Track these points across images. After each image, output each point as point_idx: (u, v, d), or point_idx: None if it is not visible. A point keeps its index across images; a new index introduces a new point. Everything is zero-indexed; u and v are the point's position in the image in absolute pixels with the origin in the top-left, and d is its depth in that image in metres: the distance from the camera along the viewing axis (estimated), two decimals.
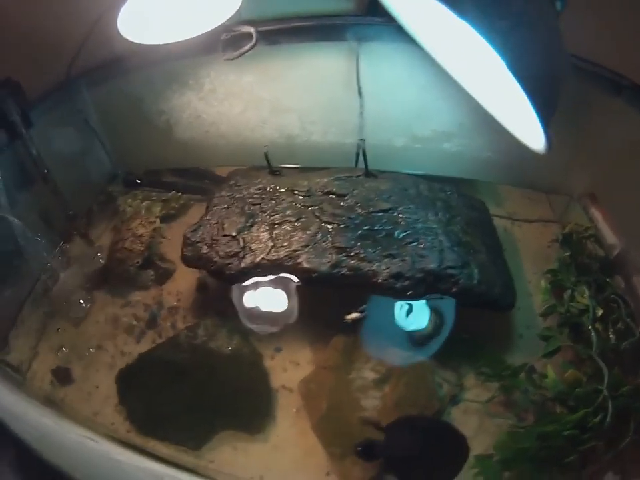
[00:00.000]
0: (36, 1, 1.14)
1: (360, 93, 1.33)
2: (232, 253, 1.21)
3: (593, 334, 1.11)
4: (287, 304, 1.28)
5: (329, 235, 1.20)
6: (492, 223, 1.35)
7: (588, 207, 1.39)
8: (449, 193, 1.36)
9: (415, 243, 1.17)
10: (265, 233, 1.23)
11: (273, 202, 1.31)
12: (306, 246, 1.18)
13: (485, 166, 1.42)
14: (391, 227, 1.21)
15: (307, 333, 1.27)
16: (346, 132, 1.41)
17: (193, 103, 1.46)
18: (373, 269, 1.13)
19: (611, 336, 1.12)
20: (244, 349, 1.20)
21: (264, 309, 1.29)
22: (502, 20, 0.74)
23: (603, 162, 1.28)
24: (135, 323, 1.32)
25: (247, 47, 1.22)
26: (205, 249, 1.24)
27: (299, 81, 1.37)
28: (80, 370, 1.24)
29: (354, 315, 1.18)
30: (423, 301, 1.25)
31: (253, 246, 1.21)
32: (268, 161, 1.35)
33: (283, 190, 1.33)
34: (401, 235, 1.19)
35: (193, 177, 1.62)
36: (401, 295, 1.11)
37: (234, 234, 1.24)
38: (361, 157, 1.36)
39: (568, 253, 1.27)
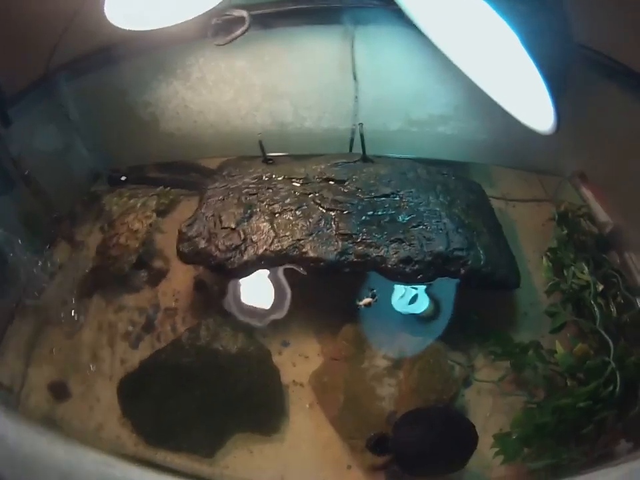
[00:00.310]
0: None
1: (355, 77, 1.30)
2: (233, 246, 1.16)
3: (595, 308, 1.14)
4: (274, 297, 1.25)
5: (332, 222, 1.16)
6: (490, 204, 1.35)
7: (579, 186, 1.42)
8: (446, 175, 1.35)
9: (421, 227, 1.16)
10: (266, 223, 1.19)
11: (271, 191, 1.26)
12: (310, 234, 1.15)
13: (480, 148, 1.43)
14: (394, 211, 1.19)
15: (313, 324, 1.24)
16: (340, 117, 1.39)
17: (181, 93, 1.40)
18: (381, 254, 1.11)
19: (612, 309, 1.15)
20: (250, 346, 1.15)
21: (253, 302, 1.25)
22: (522, 4, 0.76)
23: (594, 143, 1.31)
24: (131, 328, 1.25)
25: (238, 32, 1.17)
26: (203, 244, 1.18)
27: (293, 65, 1.33)
28: (77, 383, 1.17)
29: (366, 300, 1.16)
30: (422, 287, 1.26)
31: (254, 237, 1.16)
32: (262, 149, 1.31)
33: (279, 178, 1.29)
34: (406, 219, 1.17)
35: (178, 170, 1.55)
36: (411, 279, 1.10)
37: (233, 226, 1.19)
38: (355, 142, 1.34)
39: (565, 232, 1.29)
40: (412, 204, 1.21)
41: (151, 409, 1.11)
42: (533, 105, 0.98)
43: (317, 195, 1.23)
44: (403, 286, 1.26)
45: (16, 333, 1.23)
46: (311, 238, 1.14)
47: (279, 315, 1.24)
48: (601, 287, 1.17)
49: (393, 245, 1.12)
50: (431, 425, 0.98)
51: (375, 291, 1.18)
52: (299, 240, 1.14)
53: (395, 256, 1.10)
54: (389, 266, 1.09)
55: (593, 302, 1.15)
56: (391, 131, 1.42)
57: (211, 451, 1.08)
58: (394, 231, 1.14)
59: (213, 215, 1.23)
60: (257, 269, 1.14)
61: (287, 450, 1.09)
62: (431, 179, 1.31)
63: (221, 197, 1.28)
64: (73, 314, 1.22)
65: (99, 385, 1.17)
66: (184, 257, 1.20)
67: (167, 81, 1.38)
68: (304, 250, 1.12)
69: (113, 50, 1.27)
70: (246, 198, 1.26)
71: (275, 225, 1.18)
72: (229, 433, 1.10)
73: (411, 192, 1.23)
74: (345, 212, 1.18)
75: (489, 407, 1.12)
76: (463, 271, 1.11)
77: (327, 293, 1.23)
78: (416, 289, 1.26)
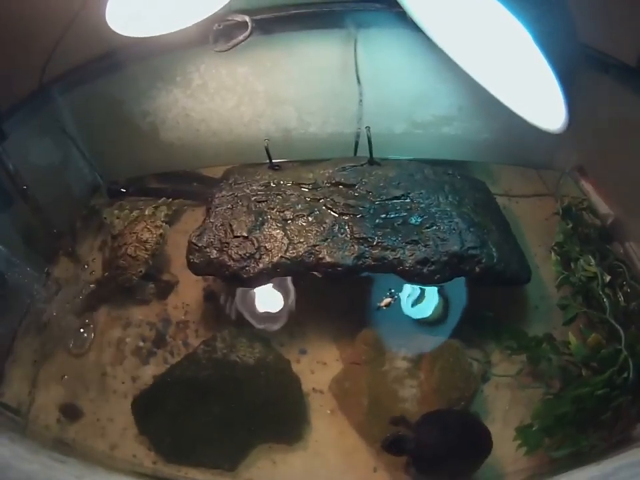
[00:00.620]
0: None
1: (359, 81, 1.30)
2: (247, 254, 1.14)
3: (604, 299, 1.17)
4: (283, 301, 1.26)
5: (346, 227, 1.16)
6: (495, 201, 1.37)
7: (578, 180, 1.46)
8: (451, 175, 1.36)
9: (434, 227, 1.16)
10: (278, 230, 1.18)
11: (280, 197, 1.25)
12: (325, 240, 1.14)
13: (482, 147, 1.44)
14: (406, 213, 1.20)
15: (329, 330, 1.23)
16: (345, 121, 1.39)
17: (181, 101, 1.38)
18: (397, 256, 1.11)
19: (620, 299, 1.18)
20: (268, 356, 1.14)
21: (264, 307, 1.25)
22: (535, 8, 0.78)
23: (592, 137, 1.34)
24: (141, 343, 1.22)
25: (240, 37, 1.16)
26: (215, 254, 1.16)
27: (296, 70, 1.32)
28: (88, 402, 1.14)
29: (386, 300, 1.16)
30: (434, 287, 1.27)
31: (268, 245, 1.15)
32: (269, 155, 1.29)
33: (288, 184, 1.28)
34: (419, 221, 1.18)
35: (180, 180, 1.52)
36: (429, 280, 1.10)
37: (245, 234, 1.17)
38: (361, 146, 1.34)
39: (570, 226, 1.32)
40: (423, 205, 1.21)
41: (168, 425, 1.09)
42: (541, 105, 1.00)
43: (327, 199, 1.23)
44: (410, 286, 1.28)
45: (20, 353, 1.19)
46: (326, 243, 1.13)
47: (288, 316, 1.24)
48: (608, 278, 1.19)
49: (408, 247, 1.12)
50: (448, 428, 0.99)
51: (393, 291, 1.18)
52: (315, 246, 1.13)
53: (411, 258, 1.10)
54: (407, 268, 1.10)
55: (601, 293, 1.18)
56: (395, 134, 1.42)
57: (234, 464, 1.07)
58: (408, 232, 1.15)
59: (222, 224, 1.22)
60: (273, 277, 1.13)
61: (311, 458, 1.08)
62: (438, 179, 1.31)
63: (229, 206, 1.26)
64: (81, 331, 1.18)
65: (111, 403, 1.14)
66: (195, 268, 1.17)
67: (167, 89, 1.35)
68: (320, 256, 1.11)
69: (109, 59, 1.24)
70: (255, 205, 1.24)
71: (288, 231, 1.17)
72: (251, 445, 1.08)
73: (421, 193, 1.24)
74: (358, 216, 1.18)
75: (508, 400, 1.14)
76: (477, 270, 1.12)
77: (341, 298, 1.24)
78: (422, 288, 1.28)
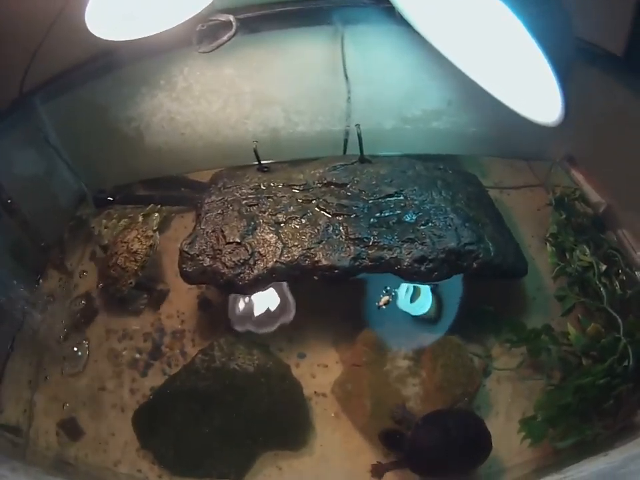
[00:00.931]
0: None
1: (347, 78, 1.28)
2: (241, 261, 1.12)
3: (601, 288, 1.18)
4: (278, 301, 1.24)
5: (341, 227, 1.15)
6: (488, 194, 1.36)
7: (569, 169, 1.46)
8: (443, 170, 1.35)
9: (430, 224, 1.15)
10: (272, 234, 1.16)
11: (271, 200, 1.23)
12: (320, 242, 1.13)
13: (472, 140, 1.44)
14: (401, 211, 1.18)
15: (327, 332, 1.22)
16: (334, 119, 1.37)
17: (166, 105, 1.34)
18: (394, 256, 1.10)
19: (616, 287, 1.19)
20: (268, 362, 1.13)
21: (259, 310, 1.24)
22: (535, 5, 0.77)
23: (581, 127, 1.34)
24: (137, 355, 1.20)
25: (225, 37, 1.13)
26: (207, 262, 1.14)
27: (282, 70, 1.30)
28: (87, 418, 1.12)
29: (385, 299, 1.15)
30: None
31: (262, 250, 1.13)
32: (258, 157, 1.27)
33: (279, 186, 1.26)
34: (414, 218, 1.16)
35: (167, 186, 1.49)
36: (427, 278, 1.09)
37: (238, 240, 1.15)
38: (350, 144, 1.33)
39: (563, 216, 1.32)
40: (417, 202, 1.20)
41: (171, 437, 1.07)
42: (535, 98, 0.99)
43: (320, 200, 1.21)
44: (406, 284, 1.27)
45: (15, 372, 1.16)
46: (321, 245, 1.12)
47: (287, 317, 1.23)
48: (603, 267, 1.20)
49: (405, 246, 1.11)
50: (449, 430, 0.98)
51: (389, 288, 1.17)
52: (310, 249, 1.11)
53: (408, 256, 1.09)
54: (404, 267, 1.09)
55: (597, 282, 1.19)
56: (385, 130, 1.41)
57: (240, 473, 1.06)
58: (404, 231, 1.14)
59: (214, 231, 1.19)
60: (269, 283, 1.11)
61: (316, 463, 1.07)
62: (430, 174, 1.30)
63: (219, 211, 1.23)
64: (75, 350, 1.15)
65: (110, 418, 1.12)
66: (189, 277, 1.15)
67: (151, 94, 1.32)
68: (316, 259, 1.10)
69: (90, 65, 1.20)
70: (247, 209, 1.22)
71: (281, 235, 1.15)
72: (256, 453, 1.07)
73: (414, 190, 1.23)
74: (352, 216, 1.16)
75: (510, 393, 1.14)
76: (475, 265, 1.12)
77: (337, 300, 1.22)
78: (416, 287, 1.27)
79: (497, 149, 1.49)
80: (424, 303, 1.26)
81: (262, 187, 1.27)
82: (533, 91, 0.99)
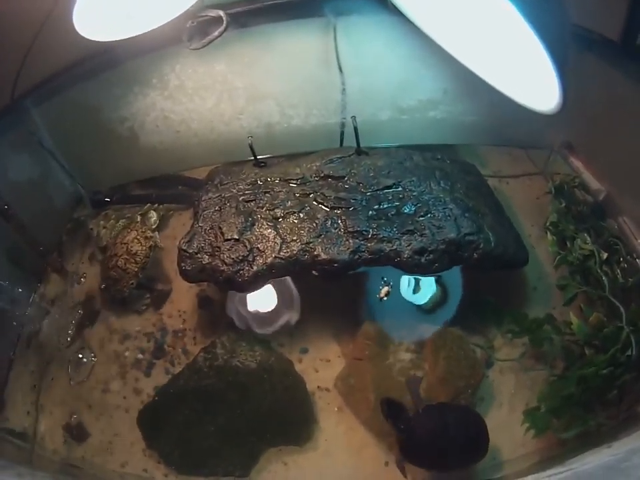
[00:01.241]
0: None
1: (340, 70, 1.27)
2: (240, 257, 1.11)
3: (603, 277, 1.16)
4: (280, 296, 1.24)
5: (339, 221, 1.14)
6: (487, 184, 1.35)
7: (567, 157, 1.44)
8: (441, 160, 1.34)
9: (429, 215, 1.14)
10: (270, 229, 1.15)
11: (269, 195, 1.22)
12: (318, 236, 1.12)
13: (469, 129, 1.42)
14: (399, 202, 1.17)
15: (329, 327, 1.22)
16: (329, 112, 1.36)
17: (159, 104, 1.33)
18: (394, 248, 1.09)
19: (618, 275, 1.18)
20: (270, 358, 1.13)
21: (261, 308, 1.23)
22: None
23: (579, 114, 1.32)
24: (140, 355, 1.20)
25: (216, 33, 1.11)
26: (206, 259, 1.13)
27: (275, 64, 1.28)
28: (92, 420, 1.12)
29: (385, 290, 1.14)
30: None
31: (261, 246, 1.12)
32: (253, 152, 1.26)
33: (275, 181, 1.25)
34: (412, 209, 1.15)
35: (164, 185, 1.49)
36: (427, 269, 1.08)
37: (236, 237, 1.14)
38: (346, 136, 1.31)
39: (563, 204, 1.31)
40: (415, 193, 1.19)
41: (176, 436, 1.07)
42: (533, 86, 0.98)
43: (317, 194, 1.20)
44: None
45: (19, 377, 1.16)
46: (320, 239, 1.11)
47: (291, 314, 1.22)
48: (605, 255, 1.19)
49: (404, 237, 1.10)
50: (447, 426, 0.98)
51: (386, 279, 1.17)
52: (308, 243, 1.10)
53: (408, 248, 1.08)
54: (404, 259, 1.08)
55: (599, 270, 1.17)
56: (380, 121, 1.39)
57: (245, 470, 1.06)
58: (403, 222, 1.13)
59: (211, 228, 1.18)
60: (269, 279, 1.11)
61: (321, 457, 1.07)
62: (428, 165, 1.29)
63: (217, 208, 1.22)
64: (79, 357, 1.15)
65: (116, 419, 1.13)
66: (188, 276, 1.14)
67: (143, 93, 1.31)
68: (315, 253, 1.09)
69: (80, 66, 1.19)
70: (244, 205, 1.21)
71: (280, 230, 1.14)
72: (261, 450, 1.07)
73: (412, 181, 1.22)
74: (350, 209, 1.15)
75: (513, 384, 1.14)
76: (476, 255, 1.11)
77: (338, 293, 1.22)
78: (417, 278, 1.26)
79: (495, 138, 1.47)
80: (427, 292, 1.26)
81: (259, 182, 1.26)
82: (530, 79, 0.98)
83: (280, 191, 1.22)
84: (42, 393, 1.15)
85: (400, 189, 1.20)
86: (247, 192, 1.24)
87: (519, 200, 1.44)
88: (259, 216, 1.18)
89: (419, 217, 1.14)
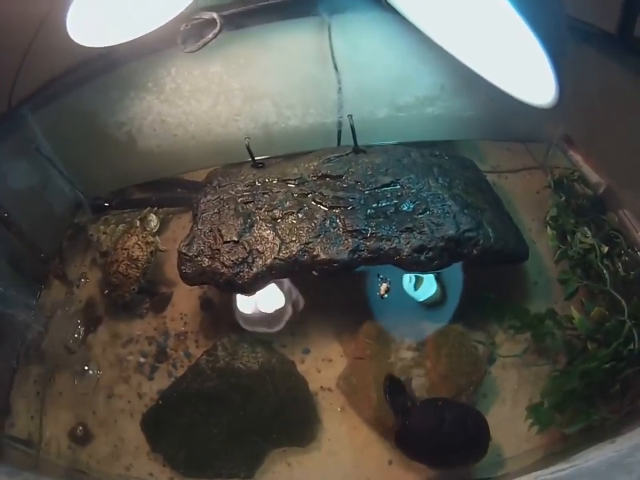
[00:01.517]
0: None
1: (336, 68, 1.27)
2: (239, 259, 1.12)
3: (604, 270, 1.15)
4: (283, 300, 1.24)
5: (338, 220, 1.14)
6: (486, 179, 1.34)
7: (566, 150, 1.43)
8: (439, 156, 1.33)
9: (427, 212, 1.14)
10: (269, 230, 1.15)
11: (267, 196, 1.22)
12: (317, 236, 1.12)
13: (467, 124, 1.42)
14: (397, 200, 1.17)
15: (330, 326, 1.22)
16: (326, 111, 1.35)
17: (155, 107, 1.33)
18: (393, 246, 1.09)
19: (619, 269, 1.17)
20: (272, 359, 1.13)
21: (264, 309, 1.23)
22: None
23: (578, 107, 1.32)
24: (143, 359, 1.21)
25: (210, 35, 1.11)
26: (206, 262, 1.14)
27: (271, 64, 1.28)
28: (97, 425, 1.13)
29: (384, 287, 1.14)
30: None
31: (260, 247, 1.13)
32: (251, 153, 1.26)
33: (274, 182, 1.25)
34: (411, 207, 1.15)
35: (163, 188, 1.49)
36: (427, 267, 1.08)
37: (235, 239, 1.14)
38: (344, 135, 1.31)
39: (563, 198, 1.31)
40: (414, 190, 1.19)
41: (180, 439, 1.08)
42: (529, 80, 0.97)
43: (316, 193, 1.20)
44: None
45: (23, 383, 1.17)
46: (319, 239, 1.11)
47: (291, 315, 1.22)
48: (605, 249, 1.18)
49: (403, 235, 1.10)
50: (443, 421, 0.98)
51: (382, 276, 1.17)
52: (307, 243, 1.11)
53: (407, 246, 1.08)
54: (404, 257, 1.08)
55: (600, 264, 1.16)
56: (378, 119, 1.39)
57: (250, 471, 1.06)
58: (402, 220, 1.12)
59: (211, 230, 1.18)
60: (269, 280, 1.11)
61: (325, 457, 1.07)
62: (426, 162, 1.29)
63: (215, 210, 1.22)
64: (85, 369, 1.16)
65: (120, 423, 1.13)
66: (188, 279, 1.15)
67: (140, 97, 1.31)
68: (314, 253, 1.09)
69: (76, 73, 1.20)
70: (243, 207, 1.21)
71: (279, 231, 1.14)
72: (265, 451, 1.08)
73: (410, 178, 1.21)
74: (348, 208, 1.15)
75: (516, 380, 1.13)
76: (475, 252, 1.11)
77: (338, 293, 1.22)
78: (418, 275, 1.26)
79: (493, 132, 1.46)
80: (427, 290, 1.26)
81: (257, 183, 1.26)
82: (527, 73, 0.97)
83: (278, 192, 1.22)
84: (46, 398, 1.15)
85: (398, 186, 1.20)
86: (245, 193, 1.24)
87: (519, 194, 1.44)
88: (257, 217, 1.18)
89: (417, 215, 1.14)
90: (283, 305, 1.24)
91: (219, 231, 1.17)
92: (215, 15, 1.10)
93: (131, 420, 1.12)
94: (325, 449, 1.08)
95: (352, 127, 1.22)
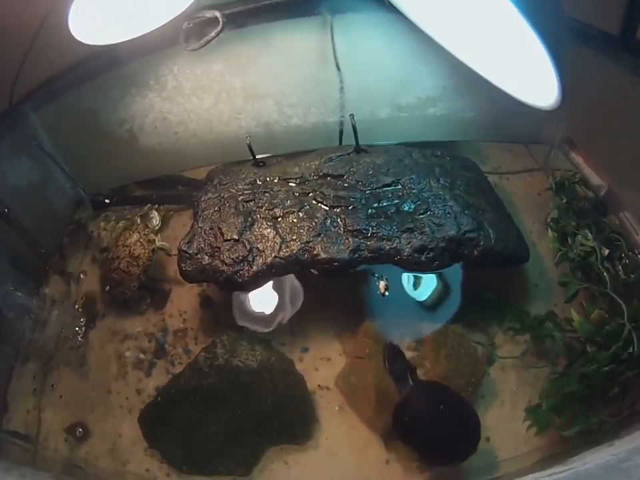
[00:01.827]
0: None
1: (338, 68, 1.27)
2: (239, 257, 1.12)
3: (604, 273, 1.16)
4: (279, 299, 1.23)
5: (338, 219, 1.14)
6: (487, 180, 1.34)
7: (568, 152, 1.43)
8: (440, 157, 1.33)
9: (428, 213, 1.14)
10: (269, 229, 1.15)
11: (268, 195, 1.22)
12: (318, 235, 1.12)
13: (469, 125, 1.42)
14: (399, 200, 1.17)
15: (329, 326, 1.22)
16: (327, 110, 1.36)
17: (157, 105, 1.33)
18: (394, 246, 1.09)
19: (619, 272, 1.17)
20: (271, 357, 1.13)
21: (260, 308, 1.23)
22: None
23: (579, 109, 1.31)
24: (141, 356, 1.20)
25: (212, 34, 1.11)
26: (206, 260, 1.14)
27: (272, 63, 1.28)
28: (94, 421, 1.13)
29: (383, 285, 1.14)
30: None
31: (260, 246, 1.12)
32: (252, 152, 1.26)
33: (274, 180, 1.25)
34: (412, 207, 1.15)
35: (164, 186, 1.49)
36: (428, 267, 1.08)
37: (236, 237, 1.14)
38: (345, 134, 1.31)
39: (564, 200, 1.30)
40: (415, 191, 1.19)
41: (178, 436, 1.07)
42: (531, 82, 0.98)
43: (317, 193, 1.20)
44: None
45: (22, 379, 1.17)
46: (319, 239, 1.11)
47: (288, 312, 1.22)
48: (606, 251, 1.18)
49: (404, 235, 1.10)
50: (445, 409, 0.98)
51: (377, 275, 1.17)
52: (308, 242, 1.11)
53: (408, 246, 1.08)
54: (404, 257, 1.08)
55: (600, 267, 1.17)
56: (380, 119, 1.39)
57: (247, 469, 1.06)
58: (403, 220, 1.12)
59: (211, 228, 1.18)
60: (269, 279, 1.11)
61: (323, 456, 1.07)
62: (427, 162, 1.29)
63: (216, 208, 1.22)
64: (85, 365, 1.16)
65: (117, 419, 1.13)
66: (188, 276, 1.15)
67: (141, 95, 1.31)
68: (315, 252, 1.09)
69: (78, 70, 1.20)
70: (243, 205, 1.21)
71: (279, 229, 1.14)
72: (263, 449, 1.08)
73: (412, 178, 1.21)
74: (349, 207, 1.15)
75: (515, 381, 1.13)
76: (476, 253, 1.11)
77: (338, 292, 1.21)
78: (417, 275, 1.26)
79: (495, 134, 1.46)
80: (427, 290, 1.26)
81: (258, 182, 1.26)
82: (529, 74, 0.97)
83: (279, 191, 1.22)
84: (44, 394, 1.15)
85: (399, 186, 1.20)
86: (246, 192, 1.24)
87: (520, 196, 1.43)
88: (258, 216, 1.18)
89: (418, 215, 1.14)
90: (277, 304, 1.24)
91: (220, 229, 1.17)
92: (217, 14, 1.10)
93: (129, 416, 1.12)
94: (323, 448, 1.08)
95: (354, 127, 1.22)
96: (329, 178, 1.23)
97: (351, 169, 1.24)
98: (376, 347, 1.13)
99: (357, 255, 1.08)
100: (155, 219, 1.35)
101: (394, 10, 1.13)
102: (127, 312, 1.27)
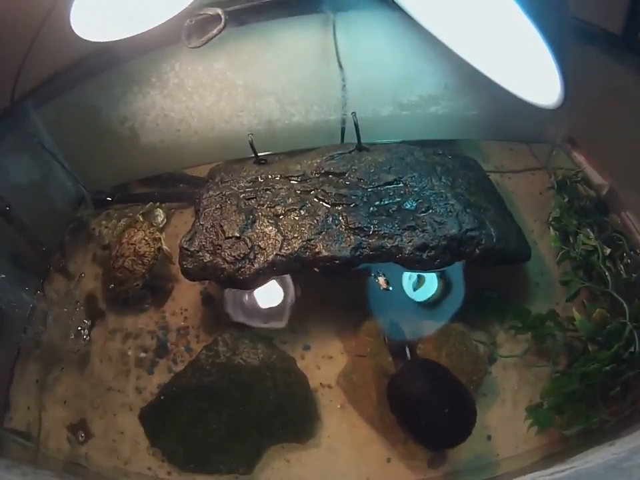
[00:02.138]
0: None
1: (340, 66, 1.26)
2: (241, 255, 1.11)
3: (606, 272, 1.16)
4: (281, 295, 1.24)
5: (340, 217, 1.13)
6: (489, 179, 1.34)
7: (570, 152, 1.43)
8: (442, 155, 1.33)
9: (430, 211, 1.14)
10: (271, 227, 1.15)
11: (269, 192, 1.22)
12: (319, 233, 1.11)
13: (471, 124, 1.42)
14: (400, 198, 1.17)
15: (331, 323, 1.22)
16: (329, 108, 1.35)
17: (159, 102, 1.33)
18: (395, 244, 1.08)
19: (621, 271, 1.17)
20: (272, 355, 1.13)
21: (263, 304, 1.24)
22: None
23: (581, 108, 1.31)
24: (143, 354, 1.20)
25: (214, 31, 1.11)
26: (208, 257, 1.13)
27: (274, 61, 1.28)
28: (96, 419, 1.13)
29: (382, 280, 1.14)
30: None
31: (262, 243, 1.12)
32: (254, 150, 1.25)
33: (276, 178, 1.24)
34: (414, 205, 1.15)
35: (165, 183, 1.49)
36: (429, 265, 1.08)
37: (237, 234, 1.14)
38: (347, 132, 1.31)
39: (566, 199, 1.30)
40: (417, 189, 1.19)
41: (179, 434, 1.08)
42: (534, 80, 0.97)
43: (318, 190, 1.19)
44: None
45: (23, 377, 1.17)
46: (321, 236, 1.11)
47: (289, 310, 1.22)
48: (608, 251, 1.18)
49: (406, 233, 1.09)
50: (439, 388, 0.98)
51: (373, 273, 1.17)
52: (309, 240, 1.10)
53: (409, 244, 1.08)
54: (406, 255, 1.07)
55: (602, 266, 1.16)
56: (382, 117, 1.39)
57: (249, 467, 1.06)
58: (404, 218, 1.12)
59: (212, 226, 1.18)
60: (270, 277, 1.11)
61: (324, 454, 1.08)
62: (429, 160, 1.28)
63: (218, 206, 1.22)
64: (86, 363, 1.16)
65: (119, 417, 1.13)
66: (189, 274, 1.15)
67: (143, 92, 1.31)
68: (316, 250, 1.09)
69: (79, 67, 1.20)
70: (245, 203, 1.21)
71: (280, 227, 1.14)
72: (264, 447, 1.08)
73: (413, 176, 1.21)
74: (351, 205, 1.15)
75: (516, 380, 1.13)
76: (478, 251, 1.10)
77: (340, 290, 1.22)
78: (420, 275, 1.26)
79: (497, 132, 1.46)
80: (429, 288, 1.26)
81: (259, 179, 1.26)
82: (532, 73, 0.97)
83: (281, 188, 1.22)
84: (46, 392, 1.15)
85: (401, 184, 1.19)
86: (247, 189, 1.24)
87: (522, 195, 1.43)
88: (259, 213, 1.18)
89: (420, 213, 1.14)
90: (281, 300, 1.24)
91: (221, 226, 1.17)
92: (219, 11, 1.10)
93: (131, 414, 1.12)
94: (324, 446, 1.08)
95: (355, 125, 1.22)
96: (330, 176, 1.23)
97: (353, 167, 1.24)
98: (378, 346, 1.13)
99: (358, 253, 1.08)
100: (160, 216, 1.35)
101: (396, 8, 1.12)
102: (128, 310, 1.27)
